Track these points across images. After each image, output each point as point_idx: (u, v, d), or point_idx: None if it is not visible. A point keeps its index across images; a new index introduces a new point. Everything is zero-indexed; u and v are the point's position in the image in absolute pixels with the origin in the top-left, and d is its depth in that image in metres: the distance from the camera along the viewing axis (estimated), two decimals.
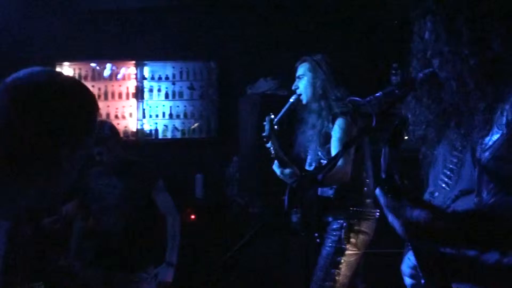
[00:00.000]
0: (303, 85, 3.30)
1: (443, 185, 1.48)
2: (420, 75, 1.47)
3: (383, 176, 1.33)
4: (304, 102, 3.30)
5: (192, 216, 5.44)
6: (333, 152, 3.06)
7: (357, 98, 1.49)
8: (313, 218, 3.09)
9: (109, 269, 3.46)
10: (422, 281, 1.41)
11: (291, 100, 3.33)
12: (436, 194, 1.51)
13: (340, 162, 2.97)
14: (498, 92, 1.37)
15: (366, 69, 5.43)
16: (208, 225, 5.34)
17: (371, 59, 5.63)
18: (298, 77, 3.34)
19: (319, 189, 3.16)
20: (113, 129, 3.49)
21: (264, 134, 3.06)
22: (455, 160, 1.46)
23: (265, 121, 3.11)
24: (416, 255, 1.41)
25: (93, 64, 6.35)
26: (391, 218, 1.34)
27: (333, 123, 3.15)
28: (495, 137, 1.34)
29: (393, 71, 5.21)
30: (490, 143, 1.34)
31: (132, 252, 3.44)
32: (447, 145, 1.51)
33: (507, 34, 1.38)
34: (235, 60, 6.10)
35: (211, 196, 5.80)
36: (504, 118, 1.33)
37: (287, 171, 3.02)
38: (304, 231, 3.09)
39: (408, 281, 1.56)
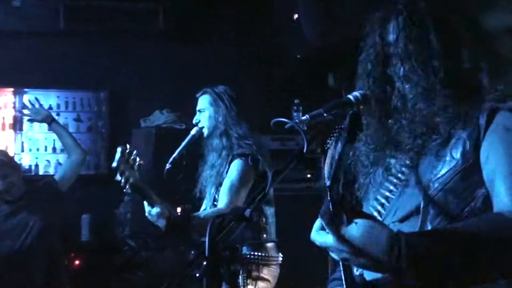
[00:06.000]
0: (204, 119, 3.09)
1: (375, 212, 1.41)
2: (357, 94, 1.38)
3: (327, 183, 1.18)
4: (205, 136, 3.09)
5: (77, 262, 5.12)
6: (223, 195, 2.83)
7: (284, 119, 1.34)
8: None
9: None
10: None
11: (193, 133, 3.09)
12: None
13: (223, 205, 2.77)
14: (459, 115, 1.31)
15: (267, 104, 5.30)
16: (95, 272, 4.99)
17: (272, 94, 5.53)
18: (199, 111, 3.12)
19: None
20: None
21: (113, 165, 2.56)
22: (391, 188, 1.40)
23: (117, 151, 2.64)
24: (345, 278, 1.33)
25: None
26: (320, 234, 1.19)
27: (229, 165, 2.94)
28: (447, 167, 1.28)
29: (295, 107, 5.11)
30: (440, 174, 1.28)
31: None
32: (382, 171, 1.44)
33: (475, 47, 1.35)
34: (128, 90, 5.86)
35: (99, 239, 5.49)
36: (461, 148, 1.27)
37: (154, 210, 2.59)
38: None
39: None
